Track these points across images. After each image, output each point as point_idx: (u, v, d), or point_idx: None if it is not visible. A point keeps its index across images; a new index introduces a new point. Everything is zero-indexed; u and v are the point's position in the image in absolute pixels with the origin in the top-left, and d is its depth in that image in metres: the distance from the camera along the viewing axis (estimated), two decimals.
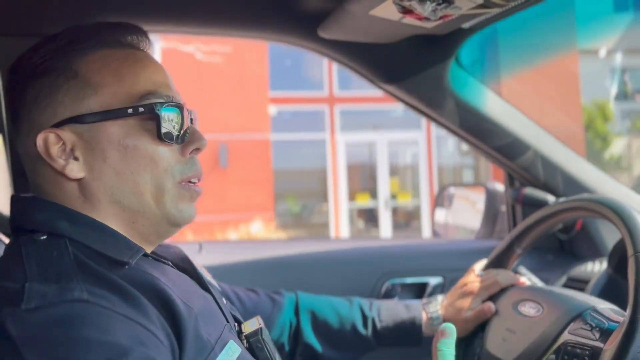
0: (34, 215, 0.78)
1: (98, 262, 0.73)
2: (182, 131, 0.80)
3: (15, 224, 0.80)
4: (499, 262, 1.29)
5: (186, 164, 0.82)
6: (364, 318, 1.20)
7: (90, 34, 0.82)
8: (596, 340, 0.93)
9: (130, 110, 0.77)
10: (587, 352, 0.93)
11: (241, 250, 1.68)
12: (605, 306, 1.02)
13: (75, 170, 0.77)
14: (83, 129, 0.77)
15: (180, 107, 0.80)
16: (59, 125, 0.77)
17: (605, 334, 0.93)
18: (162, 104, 0.78)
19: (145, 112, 0.78)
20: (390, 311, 1.21)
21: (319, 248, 1.72)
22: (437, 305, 1.22)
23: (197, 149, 0.83)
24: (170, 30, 1.28)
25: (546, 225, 1.22)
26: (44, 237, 0.75)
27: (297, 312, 1.19)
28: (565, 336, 0.98)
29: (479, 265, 1.30)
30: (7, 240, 1.25)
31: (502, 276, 1.21)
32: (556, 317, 1.03)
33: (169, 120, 0.79)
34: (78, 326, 0.63)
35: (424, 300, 1.26)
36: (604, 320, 0.96)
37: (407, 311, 1.21)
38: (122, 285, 0.70)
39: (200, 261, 1.10)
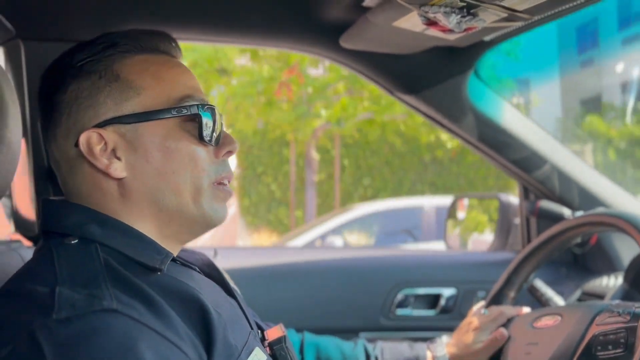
0: (65, 218, 0.79)
1: (128, 268, 0.73)
2: (216, 134, 0.82)
3: (46, 228, 0.81)
4: (498, 299, 1.29)
5: (220, 165, 0.84)
6: (367, 357, 1.20)
7: (129, 39, 0.84)
8: (628, 322, 0.92)
9: (174, 112, 0.79)
10: (622, 334, 0.91)
11: (255, 257, 1.68)
12: (623, 302, 1.02)
13: (118, 169, 0.78)
14: (125, 129, 0.79)
15: (215, 111, 0.83)
16: (102, 125, 0.79)
17: (636, 316, 0.92)
18: (201, 106, 0.81)
19: (187, 114, 0.80)
20: (394, 350, 1.21)
21: (333, 256, 1.73)
22: (443, 344, 1.21)
23: (230, 152, 0.85)
24: (195, 38, 1.30)
25: (564, 239, 1.22)
26: (75, 241, 0.75)
27: (302, 349, 1.19)
28: (594, 329, 0.97)
29: (478, 306, 1.29)
30: (27, 243, 1.26)
31: (507, 308, 1.22)
32: (578, 317, 1.01)
33: (206, 123, 0.81)
34: (104, 342, 0.63)
35: (429, 341, 1.25)
36: (631, 306, 0.95)
37: (410, 350, 1.21)
38: (151, 295, 0.70)
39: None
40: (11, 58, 1.21)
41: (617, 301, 1.04)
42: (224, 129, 0.87)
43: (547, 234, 1.24)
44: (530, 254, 1.26)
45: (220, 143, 0.84)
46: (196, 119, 0.80)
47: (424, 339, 1.24)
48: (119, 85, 0.80)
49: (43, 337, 0.63)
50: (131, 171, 0.79)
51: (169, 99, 0.80)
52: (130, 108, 0.79)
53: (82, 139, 0.78)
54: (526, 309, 1.21)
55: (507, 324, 1.18)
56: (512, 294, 1.29)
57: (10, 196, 1.30)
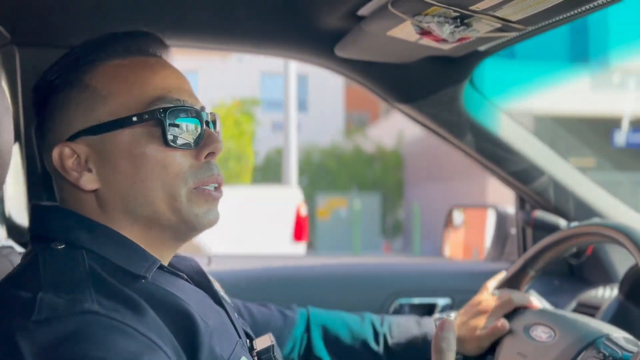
0: (53, 224, 0.79)
1: (114, 275, 0.73)
2: (196, 135, 0.79)
3: (34, 232, 0.81)
4: (512, 282, 1.28)
5: (200, 168, 0.80)
6: (376, 334, 1.19)
7: (100, 46, 0.82)
8: None
9: (134, 118, 0.77)
10: None
11: (250, 264, 1.68)
12: (619, 335, 1.01)
13: (89, 181, 0.78)
14: (94, 141, 0.78)
15: (191, 111, 0.79)
16: (73, 138, 0.78)
17: None
18: (167, 109, 0.78)
19: (150, 119, 0.77)
20: (402, 327, 1.21)
21: (328, 264, 1.72)
22: None
23: (212, 153, 0.82)
24: (191, 45, 1.30)
25: (561, 249, 1.22)
26: (62, 246, 0.75)
27: (308, 328, 1.18)
28: None
29: (493, 283, 1.29)
30: (19, 249, 1.26)
31: (516, 296, 1.21)
32: (568, 344, 1.01)
33: (178, 125, 0.78)
34: (84, 343, 0.63)
35: (436, 316, 1.25)
36: (618, 350, 0.94)
37: (418, 327, 1.20)
38: (132, 297, 0.70)
39: (210, 271, 1.10)
40: (6, 64, 1.21)
41: (616, 333, 1.02)
42: (212, 128, 0.84)
43: (540, 245, 1.24)
44: (559, 240, 1.24)
45: (201, 144, 0.80)
46: (160, 124, 0.77)
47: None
48: (88, 96, 0.79)
49: (21, 338, 0.63)
50: (104, 182, 0.78)
51: (138, 103, 0.78)
52: (97, 118, 0.78)
53: (55, 153, 0.78)
54: (535, 301, 1.21)
55: (511, 314, 1.18)
56: (532, 273, 1.27)
57: (2, 202, 1.30)
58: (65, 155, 0.78)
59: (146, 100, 0.78)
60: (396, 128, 16.15)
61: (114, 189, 0.78)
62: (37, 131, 0.84)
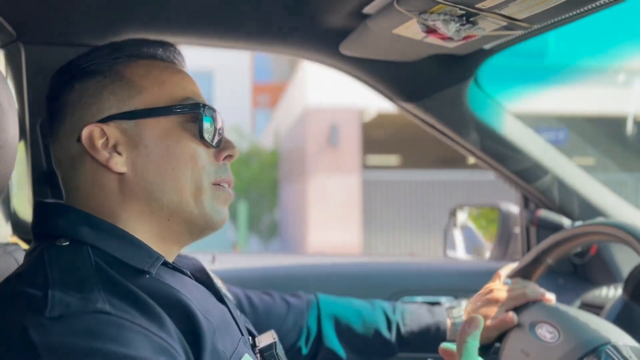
0: (57, 221, 0.79)
1: (119, 271, 0.73)
2: (217, 137, 0.84)
3: (38, 229, 0.81)
4: (525, 272, 1.27)
5: (220, 167, 0.85)
6: (388, 322, 1.19)
7: (139, 45, 0.87)
8: None
9: (176, 109, 0.81)
10: None
11: (253, 263, 1.68)
12: (623, 342, 0.99)
13: (119, 163, 0.79)
14: (127, 126, 0.80)
15: (216, 114, 0.84)
16: (104, 121, 0.80)
17: None
18: (205, 105, 0.83)
19: (188, 112, 0.82)
20: (414, 315, 1.20)
21: (332, 263, 1.72)
22: (461, 310, 1.21)
23: (230, 156, 0.86)
24: (197, 43, 1.31)
25: (568, 247, 1.22)
26: (66, 243, 0.76)
27: (319, 317, 1.18)
28: None
29: (505, 271, 1.28)
30: (24, 246, 1.26)
31: (530, 289, 1.20)
32: (570, 349, 1.01)
33: (209, 124, 0.82)
34: (101, 338, 0.63)
35: (447, 305, 1.25)
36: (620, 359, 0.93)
37: (431, 316, 1.20)
38: (142, 297, 0.70)
39: (213, 270, 1.10)
40: (11, 61, 1.22)
41: (621, 340, 1.01)
42: (225, 134, 0.88)
43: (554, 238, 1.23)
44: (571, 236, 1.23)
45: (222, 147, 0.85)
46: (197, 119, 0.82)
47: None
48: (123, 84, 0.82)
49: (36, 334, 0.63)
50: (131, 167, 0.80)
51: (171, 99, 0.82)
52: (132, 105, 0.81)
53: (85, 133, 0.79)
54: (549, 295, 1.20)
55: (522, 307, 1.17)
56: (546, 263, 1.27)
57: (8, 199, 1.30)
58: (95, 136, 0.79)
59: (179, 98, 0.83)
60: (275, 126, 15.47)
61: (142, 174, 0.80)
62: (55, 116, 0.85)
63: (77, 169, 0.82)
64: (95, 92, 0.81)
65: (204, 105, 0.83)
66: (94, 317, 0.65)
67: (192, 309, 0.73)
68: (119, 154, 0.80)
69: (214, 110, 0.84)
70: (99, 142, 0.79)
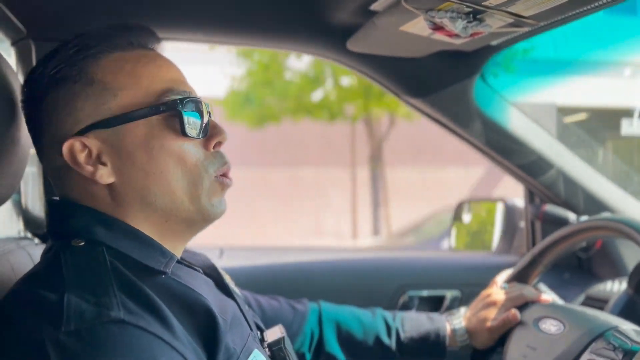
0: (72, 220, 0.78)
1: (134, 271, 0.73)
2: (202, 125, 0.80)
3: (53, 229, 0.81)
4: (521, 276, 1.29)
5: (215, 158, 0.81)
6: (388, 328, 1.20)
7: (100, 38, 0.81)
8: (621, 359, 0.93)
9: (151, 109, 0.77)
10: None
11: (261, 257, 1.70)
12: (627, 327, 1.02)
13: (105, 175, 0.76)
14: (107, 134, 0.77)
15: (198, 102, 0.80)
16: (83, 132, 0.77)
17: (629, 354, 0.92)
18: (181, 100, 0.78)
19: (167, 110, 0.77)
20: (414, 322, 1.21)
21: (337, 257, 1.74)
22: (460, 317, 1.22)
23: (220, 143, 0.82)
24: (205, 40, 1.31)
25: (570, 243, 1.23)
26: (82, 243, 0.75)
27: (320, 323, 1.19)
28: (587, 356, 0.98)
29: (502, 277, 1.30)
30: (36, 241, 1.28)
31: (527, 291, 1.22)
32: (578, 336, 1.02)
33: (190, 116, 0.78)
34: (114, 352, 0.63)
35: (445, 312, 1.26)
36: (627, 341, 0.95)
37: (431, 322, 1.21)
38: (157, 302, 0.70)
39: (221, 266, 1.11)
40: (22, 58, 1.22)
41: (625, 325, 1.03)
42: (212, 118, 0.84)
43: (548, 240, 1.25)
44: (568, 235, 1.25)
45: (209, 134, 0.81)
46: (177, 114, 0.77)
47: None
48: (95, 89, 0.77)
49: (52, 349, 0.63)
50: (119, 175, 0.77)
51: (148, 95, 0.78)
52: (108, 111, 0.77)
53: (65, 148, 0.76)
54: (546, 296, 1.21)
55: (521, 308, 1.19)
56: (540, 267, 1.28)
57: (19, 194, 1.32)
58: (76, 150, 0.76)
59: (156, 93, 0.78)
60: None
61: (131, 181, 0.77)
62: (33, 128, 0.82)
63: (65, 180, 0.79)
64: (69, 102, 0.77)
65: (183, 100, 0.77)
66: (109, 328, 0.65)
67: (211, 309, 0.73)
68: (104, 164, 0.77)
69: (195, 101, 0.79)
70: (81, 156, 0.76)
